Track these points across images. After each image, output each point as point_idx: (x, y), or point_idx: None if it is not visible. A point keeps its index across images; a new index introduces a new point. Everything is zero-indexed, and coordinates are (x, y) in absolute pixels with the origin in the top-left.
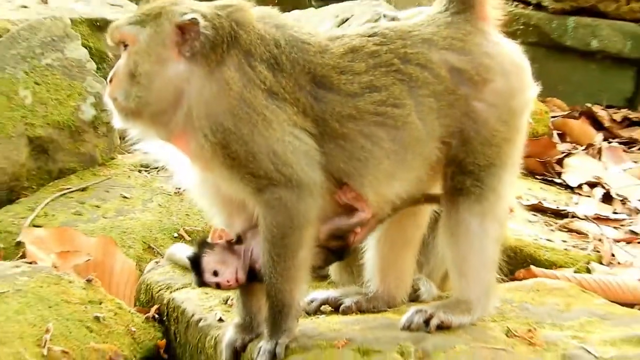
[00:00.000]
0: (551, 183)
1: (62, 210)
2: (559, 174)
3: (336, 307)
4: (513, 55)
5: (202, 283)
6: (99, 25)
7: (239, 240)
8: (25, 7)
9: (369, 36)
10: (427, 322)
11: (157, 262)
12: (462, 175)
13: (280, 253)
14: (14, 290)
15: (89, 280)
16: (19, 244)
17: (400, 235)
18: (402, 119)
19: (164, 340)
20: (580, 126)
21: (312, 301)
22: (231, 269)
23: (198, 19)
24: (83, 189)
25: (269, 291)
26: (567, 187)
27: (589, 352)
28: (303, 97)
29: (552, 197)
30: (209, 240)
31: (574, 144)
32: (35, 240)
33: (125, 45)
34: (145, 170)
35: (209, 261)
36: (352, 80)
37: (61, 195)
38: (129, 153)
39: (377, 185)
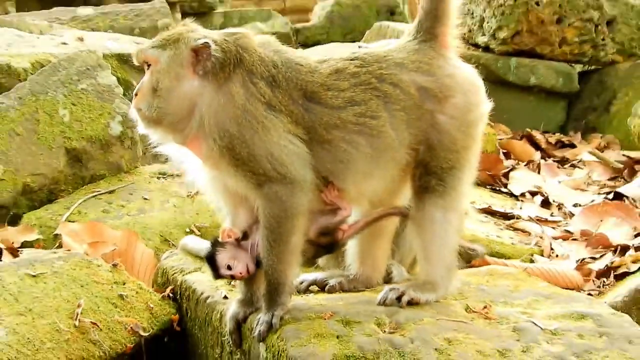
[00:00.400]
0: (499, 192)
1: (93, 208)
2: (505, 185)
3: (322, 287)
4: (470, 76)
5: (218, 276)
6: (125, 59)
7: (245, 236)
8: (65, 43)
9: (351, 60)
10: (399, 298)
11: (172, 252)
12: (428, 176)
13: (276, 239)
14: (51, 272)
15: (114, 265)
16: (56, 236)
17: (377, 226)
18: (378, 129)
19: (177, 316)
20: (522, 146)
21: (302, 282)
22: (242, 262)
23: (210, 43)
24: (111, 192)
25: (266, 271)
26: (512, 195)
27: (536, 324)
28: (296, 109)
29: (500, 203)
30: (219, 239)
31: (517, 161)
32: (70, 233)
33: (149, 65)
34: (163, 177)
35: (223, 258)
36: (337, 96)
37: (92, 197)
38: (148, 165)
39: (357, 183)
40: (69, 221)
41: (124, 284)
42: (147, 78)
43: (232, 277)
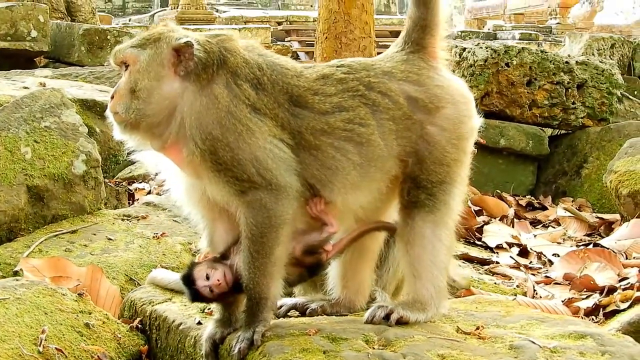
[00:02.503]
0: (473, 245)
1: (55, 247)
2: (479, 239)
3: (303, 312)
4: (461, 88)
5: (195, 294)
6: (89, 105)
7: (224, 256)
8: (26, 87)
9: (337, 67)
10: (387, 316)
11: (140, 287)
12: (417, 189)
13: (259, 250)
14: (13, 298)
15: (80, 295)
16: (16, 273)
17: (360, 248)
18: (366, 136)
19: (147, 347)
20: (495, 202)
21: (281, 306)
22: (219, 270)
23: (192, 42)
24: (73, 232)
25: (247, 284)
26: (487, 247)
27: (534, 342)
28: (281, 113)
29: (475, 254)
30: (196, 260)
31: (489, 217)
32: (31, 269)
33: (127, 66)
34: (127, 219)
35: (199, 270)
36: (324, 101)
37: (54, 236)
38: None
39: (344, 193)
40: None
41: (90, 313)
42: (125, 79)
43: (210, 291)
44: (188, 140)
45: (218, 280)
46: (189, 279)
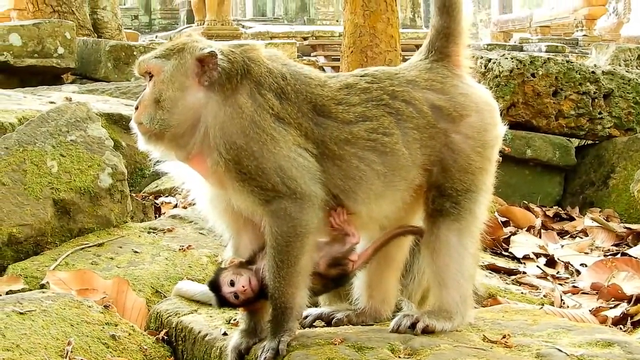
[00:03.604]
0: (500, 255)
1: (81, 260)
2: (505, 250)
3: (329, 322)
4: (485, 96)
5: (221, 299)
6: (114, 119)
7: (250, 262)
8: (52, 102)
9: (361, 76)
10: (413, 325)
11: (166, 298)
12: (442, 198)
13: (283, 259)
14: (40, 310)
15: (106, 307)
16: (43, 286)
17: (386, 257)
18: (390, 146)
19: (172, 358)
20: (522, 212)
21: (307, 316)
22: (245, 276)
23: (216, 52)
24: (99, 245)
25: (272, 294)
26: (513, 258)
27: (561, 350)
28: (305, 122)
29: (502, 264)
30: (223, 266)
31: (516, 228)
32: (58, 282)
33: (151, 76)
34: (154, 232)
35: (225, 276)
36: (348, 110)
37: (80, 249)
38: (140, 222)
39: (368, 203)
40: None
41: (115, 325)
42: (150, 89)
43: (236, 297)
44: (212, 150)
45: (243, 286)
46: (215, 285)
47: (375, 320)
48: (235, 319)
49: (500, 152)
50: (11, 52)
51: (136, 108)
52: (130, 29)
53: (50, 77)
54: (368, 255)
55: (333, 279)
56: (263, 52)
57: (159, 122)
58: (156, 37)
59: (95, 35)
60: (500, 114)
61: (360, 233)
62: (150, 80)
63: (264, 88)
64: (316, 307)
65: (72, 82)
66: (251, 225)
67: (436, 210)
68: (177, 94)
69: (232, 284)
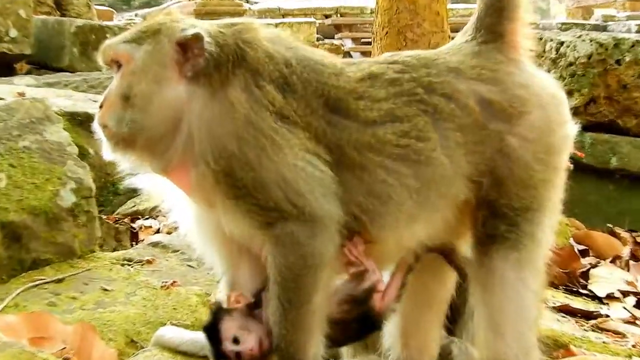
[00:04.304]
0: (576, 294)
1: (35, 301)
2: (583, 286)
3: None
4: (550, 86)
5: (219, 355)
6: (80, 119)
7: (258, 303)
8: (1, 99)
9: (389, 63)
10: None
11: (143, 350)
12: (495, 219)
13: (291, 298)
14: None
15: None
16: None
17: (424, 294)
18: (426, 154)
19: None
20: (605, 238)
21: None
22: (254, 335)
23: (202, 34)
24: (59, 281)
25: (278, 344)
26: (594, 297)
27: None
28: (315, 122)
29: (579, 305)
30: (224, 306)
31: (597, 258)
32: (6, 327)
33: (119, 66)
34: (129, 264)
35: (229, 327)
36: (371, 107)
37: (34, 286)
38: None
39: (396, 227)
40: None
41: None
42: (117, 82)
43: (238, 357)
44: (197, 159)
45: (251, 350)
46: (213, 334)
47: None
48: None
49: (571, 158)
50: None
51: (100, 106)
52: (103, 5)
53: None
54: (398, 283)
55: (356, 324)
56: (262, 32)
57: (129, 124)
58: (136, 15)
59: (58, 13)
60: (577, 112)
61: (385, 266)
62: (118, 70)
63: (262, 78)
64: (336, 359)
65: (27, 73)
66: (249, 255)
67: (488, 236)
68: (152, 88)
69: (236, 341)
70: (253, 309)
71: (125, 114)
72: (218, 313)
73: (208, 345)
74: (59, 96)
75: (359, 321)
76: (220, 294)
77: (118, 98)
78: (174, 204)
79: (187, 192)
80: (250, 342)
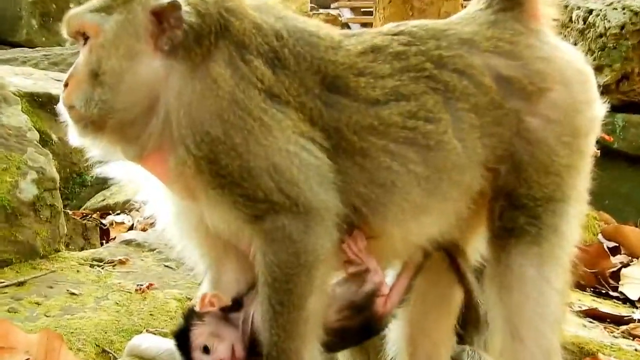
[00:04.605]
0: (605, 296)
1: None
2: (614, 288)
3: None
4: (575, 61)
5: None
6: (41, 101)
7: (236, 305)
8: None
9: (393, 35)
10: None
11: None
12: (514, 210)
13: (283, 301)
14: None
15: None
16: None
17: (434, 296)
18: (436, 137)
19: None
20: (638, 234)
21: None
22: (226, 342)
23: (179, 2)
24: (20, 284)
25: (269, 352)
26: (625, 300)
27: None
28: (310, 102)
29: (608, 309)
30: (197, 309)
31: (630, 257)
32: None
33: (86, 38)
34: (99, 265)
35: (198, 334)
36: (374, 85)
37: None
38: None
39: (403, 220)
40: None
41: None
42: (84, 58)
43: None
44: (176, 144)
45: (222, 359)
46: (182, 342)
47: None
48: None
49: (598, 143)
50: None
51: (65, 85)
52: None
53: None
54: (404, 287)
55: (356, 331)
56: (247, 0)
57: (99, 105)
58: None
59: None
60: (607, 90)
61: (389, 264)
62: (85, 44)
63: (249, 52)
64: None
65: None
66: (235, 252)
67: (506, 229)
68: (124, 64)
69: (206, 350)
70: (229, 312)
71: (94, 93)
72: (189, 317)
73: (177, 353)
74: (17, 74)
75: (359, 328)
76: (196, 295)
77: (86, 75)
78: (150, 195)
79: (164, 182)
80: (221, 352)
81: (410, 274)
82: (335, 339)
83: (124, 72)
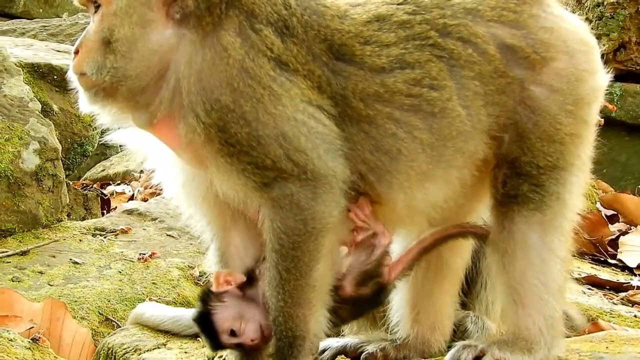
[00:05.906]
0: (604, 264)
1: None
2: (612, 256)
3: (356, 357)
4: (579, 31)
5: (218, 347)
6: (42, 72)
7: (251, 279)
8: None
9: (399, 4)
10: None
11: (121, 328)
12: (517, 178)
13: (290, 268)
14: None
15: (35, 340)
16: None
17: (437, 265)
18: (440, 105)
19: None
20: (637, 202)
21: (324, 350)
22: (254, 323)
23: None
24: (23, 253)
25: (275, 318)
26: (624, 267)
27: None
28: (318, 69)
29: (607, 276)
30: (213, 289)
31: (628, 224)
32: None
33: (98, 6)
34: (101, 235)
35: (223, 319)
36: (379, 53)
37: None
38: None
39: (408, 187)
40: None
41: None
42: (96, 25)
43: (240, 347)
44: (186, 111)
45: (252, 340)
46: (207, 325)
47: (422, 354)
48: (221, 356)
49: (601, 112)
50: None
51: (76, 52)
52: None
53: None
54: (410, 259)
55: (365, 299)
56: None
57: (110, 72)
58: None
59: None
60: (605, 59)
61: (394, 231)
62: (96, 12)
63: (259, 21)
64: (338, 336)
65: None
66: (244, 221)
67: (509, 197)
68: (136, 32)
69: (233, 333)
70: (246, 288)
71: (106, 60)
72: (207, 299)
73: (202, 335)
74: (18, 45)
75: (372, 295)
76: (210, 265)
77: (98, 43)
78: (158, 163)
79: (174, 150)
80: (249, 333)
81: (420, 250)
82: (352, 309)
83: (136, 40)
